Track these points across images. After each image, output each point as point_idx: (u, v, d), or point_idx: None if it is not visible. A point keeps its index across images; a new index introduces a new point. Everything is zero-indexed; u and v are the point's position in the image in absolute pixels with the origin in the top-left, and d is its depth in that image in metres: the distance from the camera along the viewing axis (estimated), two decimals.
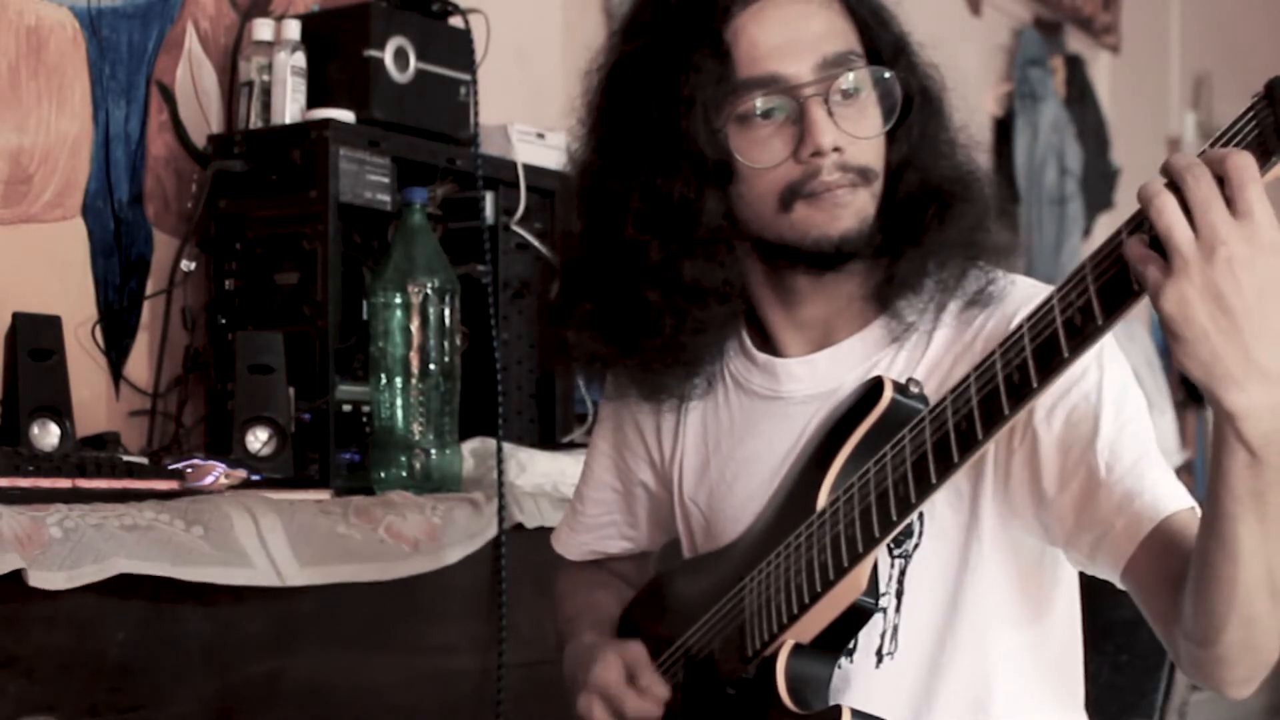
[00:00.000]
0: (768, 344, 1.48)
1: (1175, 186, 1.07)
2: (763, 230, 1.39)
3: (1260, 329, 1.04)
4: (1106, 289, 1.11)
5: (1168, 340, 1.07)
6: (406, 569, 1.93)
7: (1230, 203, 1.04)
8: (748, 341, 1.49)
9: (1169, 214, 1.05)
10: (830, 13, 1.38)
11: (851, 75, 1.35)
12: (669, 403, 1.52)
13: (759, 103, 1.34)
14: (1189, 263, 1.04)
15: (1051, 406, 1.30)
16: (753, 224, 1.39)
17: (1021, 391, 1.15)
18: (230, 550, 1.73)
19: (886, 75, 1.38)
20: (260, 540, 1.77)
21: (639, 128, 1.39)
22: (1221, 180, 1.05)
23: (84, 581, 1.59)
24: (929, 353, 1.39)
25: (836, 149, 1.34)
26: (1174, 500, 1.25)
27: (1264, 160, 1.05)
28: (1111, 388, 1.30)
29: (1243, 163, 1.04)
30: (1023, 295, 1.36)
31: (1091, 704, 1.46)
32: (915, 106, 1.41)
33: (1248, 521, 1.10)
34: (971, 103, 1.49)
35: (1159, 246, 1.07)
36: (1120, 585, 1.28)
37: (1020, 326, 1.17)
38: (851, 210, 1.35)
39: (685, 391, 1.48)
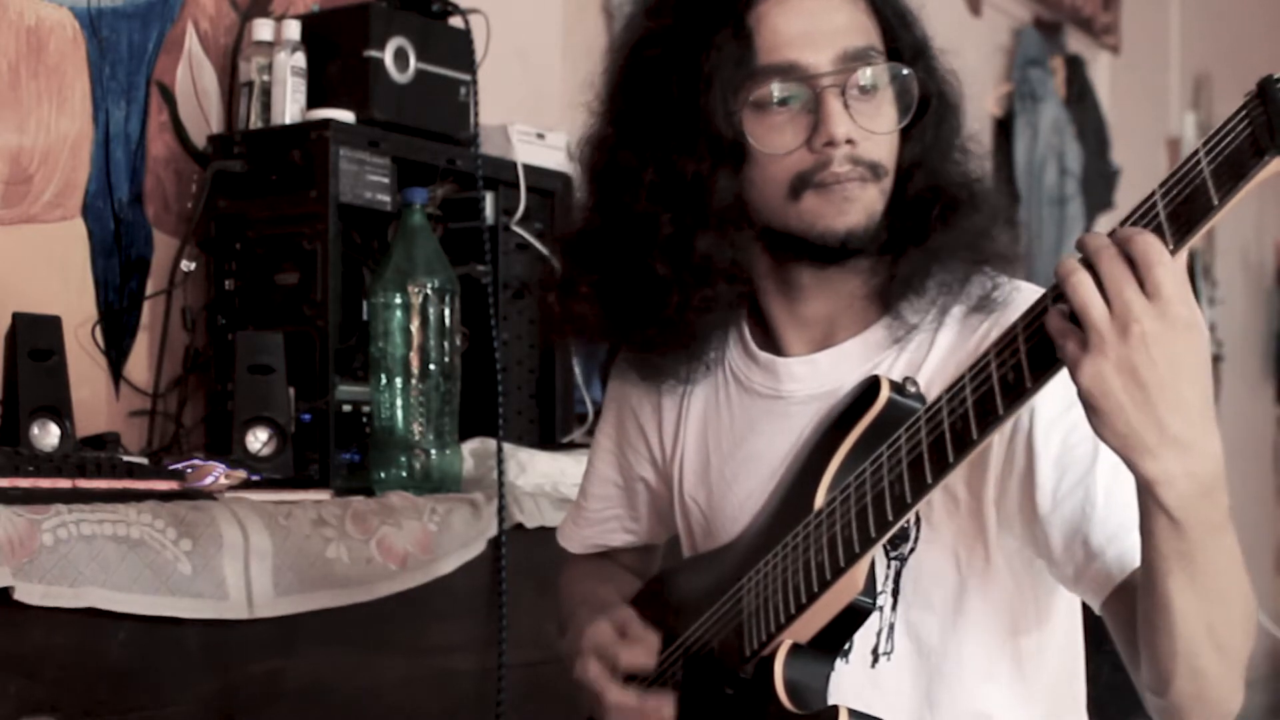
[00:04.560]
0: (770, 343, 1.48)
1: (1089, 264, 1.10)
2: (771, 218, 1.39)
3: (1173, 401, 1.07)
4: None
5: (1086, 412, 1.10)
6: (390, 588, 1.93)
7: (1141, 283, 1.08)
8: (750, 340, 1.49)
9: (1084, 292, 1.09)
10: (854, 8, 1.38)
11: (870, 70, 1.36)
12: (668, 387, 1.52)
13: (776, 89, 1.35)
14: (1104, 339, 1.08)
15: (1051, 422, 1.29)
16: (762, 211, 1.39)
17: (1016, 391, 1.16)
18: (209, 575, 1.73)
19: (905, 73, 1.38)
20: (244, 563, 1.77)
21: (657, 104, 1.39)
22: (1131, 261, 1.08)
23: (57, 603, 1.60)
24: (931, 356, 1.39)
25: (849, 141, 1.34)
26: None
27: (1256, 159, 1.05)
28: None
29: (1148, 244, 1.07)
30: (1026, 302, 1.36)
31: (1092, 704, 1.46)
32: (931, 109, 1.41)
33: (1178, 580, 1.13)
34: (971, 103, 1.49)
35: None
36: (1099, 614, 1.29)
37: (1015, 326, 1.17)
38: (860, 205, 1.36)
39: (684, 374, 1.48)
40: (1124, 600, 1.25)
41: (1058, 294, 1.12)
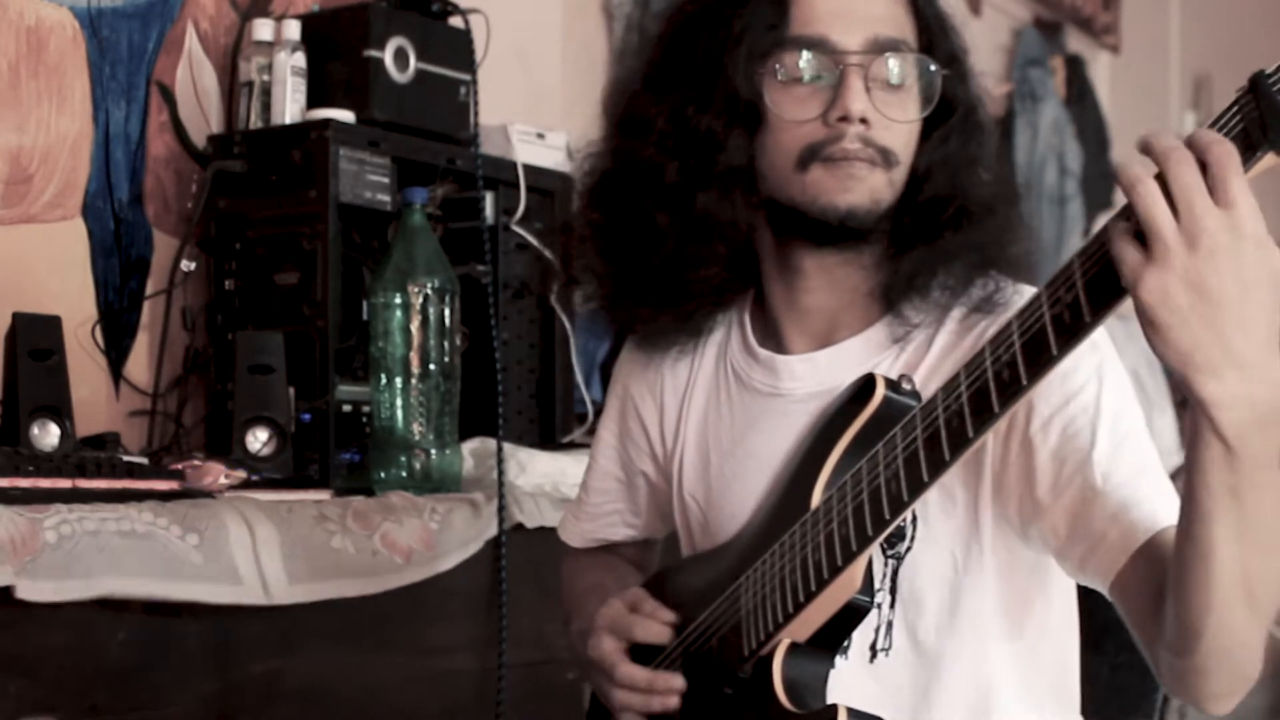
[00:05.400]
0: (772, 340, 1.48)
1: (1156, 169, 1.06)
2: (776, 188, 1.40)
3: (1240, 319, 1.03)
4: (1094, 285, 1.10)
5: (1144, 328, 1.06)
6: (398, 580, 1.93)
7: (1213, 192, 1.03)
8: (751, 337, 1.49)
9: (1151, 199, 1.04)
10: (894, 2, 1.40)
11: (896, 60, 1.37)
12: (670, 383, 1.54)
13: (803, 62, 1.36)
14: (1171, 250, 1.03)
15: (1049, 418, 1.29)
16: (769, 179, 1.40)
17: (1011, 388, 1.15)
18: (221, 564, 1.73)
19: (932, 69, 1.39)
20: (254, 553, 1.77)
21: (683, 59, 1.42)
22: (1203, 167, 1.04)
23: (70, 597, 1.60)
24: (929, 356, 1.39)
25: (864, 120, 1.35)
26: (1171, 513, 1.23)
27: (1249, 154, 1.04)
28: (1110, 401, 1.30)
29: (1226, 152, 1.04)
30: None
31: (1092, 704, 1.46)
32: (958, 116, 1.42)
33: (1223, 521, 1.09)
34: None
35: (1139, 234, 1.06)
36: (1108, 597, 1.27)
37: (1009, 323, 1.16)
38: (865, 186, 1.36)
39: (681, 343, 1.50)
40: (1134, 575, 1.23)
41: (1122, 214, 1.08)
